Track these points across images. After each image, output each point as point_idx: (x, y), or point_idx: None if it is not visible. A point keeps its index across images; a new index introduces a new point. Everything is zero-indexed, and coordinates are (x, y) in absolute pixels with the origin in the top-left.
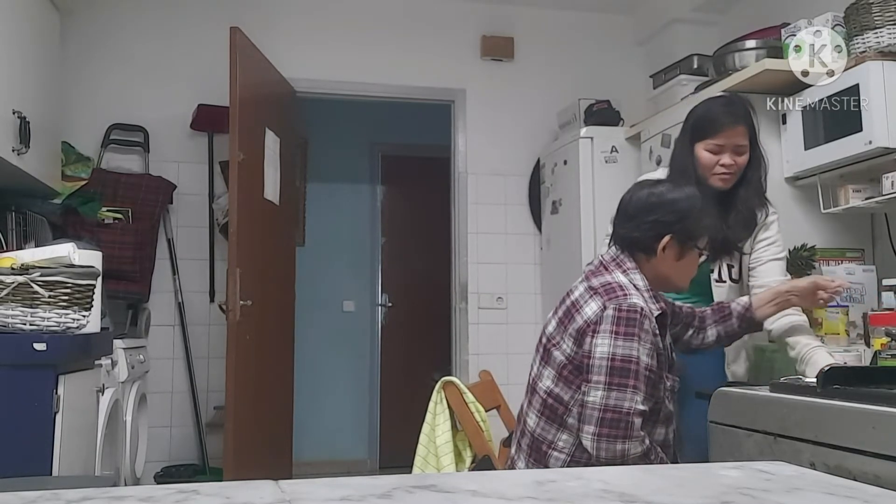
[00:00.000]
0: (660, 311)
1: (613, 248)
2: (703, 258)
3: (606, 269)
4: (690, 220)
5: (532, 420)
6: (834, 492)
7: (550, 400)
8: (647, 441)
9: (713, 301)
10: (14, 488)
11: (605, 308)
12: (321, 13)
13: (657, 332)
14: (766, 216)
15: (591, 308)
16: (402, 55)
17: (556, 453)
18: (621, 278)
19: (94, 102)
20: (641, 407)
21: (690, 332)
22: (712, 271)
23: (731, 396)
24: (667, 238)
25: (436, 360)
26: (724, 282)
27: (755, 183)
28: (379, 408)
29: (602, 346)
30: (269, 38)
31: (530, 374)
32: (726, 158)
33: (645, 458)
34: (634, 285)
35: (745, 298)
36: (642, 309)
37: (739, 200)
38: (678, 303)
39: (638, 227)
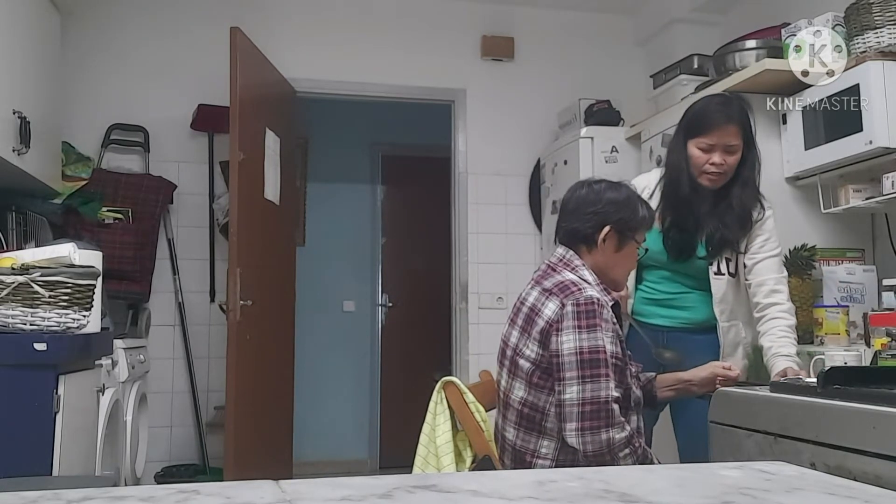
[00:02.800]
0: (613, 302)
1: (559, 250)
2: (641, 254)
3: (555, 271)
4: (628, 211)
5: (511, 433)
6: (834, 492)
7: (526, 409)
8: (628, 427)
9: (711, 293)
10: (14, 488)
11: (563, 306)
12: (321, 13)
13: (615, 320)
14: (763, 214)
15: (549, 308)
16: (402, 55)
17: (540, 461)
18: (572, 276)
19: (95, 102)
20: (616, 393)
21: None
22: (711, 264)
23: (731, 396)
24: (607, 228)
25: (436, 360)
26: (723, 274)
27: (751, 182)
28: (379, 408)
29: (568, 342)
30: (270, 38)
31: (499, 388)
32: (716, 157)
33: (629, 445)
34: (585, 280)
35: (651, 374)
36: (599, 300)
37: (734, 199)
38: None
39: (579, 219)
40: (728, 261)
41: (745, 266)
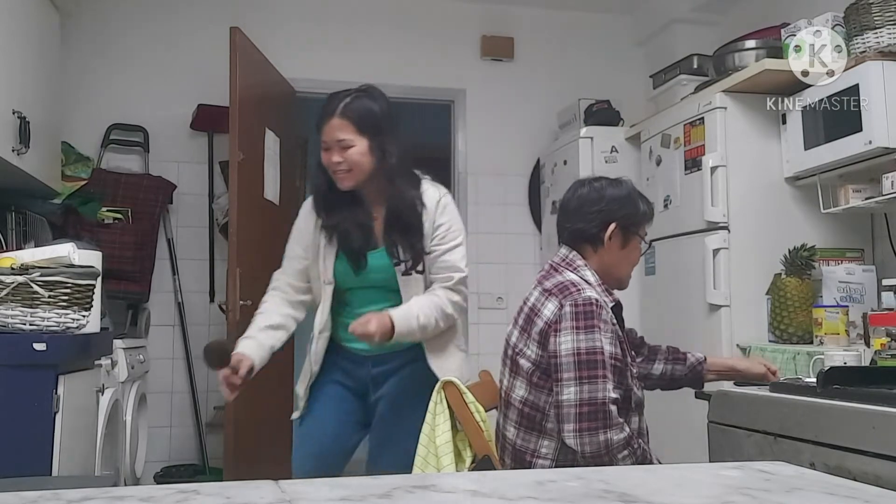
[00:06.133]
0: (614, 303)
1: (562, 250)
2: (645, 249)
3: (557, 271)
4: (631, 206)
5: (511, 433)
6: (834, 492)
7: (527, 409)
8: (626, 428)
9: (402, 300)
10: (14, 488)
11: (562, 306)
12: (321, 13)
13: (614, 321)
14: (440, 199)
15: (548, 309)
16: (402, 55)
17: (540, 461)
18: (572, 276)
19: (94, 102)
20: (614, 395)
21: (639, 358)
22: (397, 265)
23: (731, 396)
24: (612, 226)
25: None
26: (410, 274)
27: (394, 172)
28: None
29: (566, 342)
30: (269, 38)
31: (501, 388)
32: (334, 156)
33: (628, 446)
34: (586, 281)
35: (701, 355)
36: (597, 301)
37: (388, 198)
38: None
39: (583, 219)
40: (414, 259)
41: (428, 256)
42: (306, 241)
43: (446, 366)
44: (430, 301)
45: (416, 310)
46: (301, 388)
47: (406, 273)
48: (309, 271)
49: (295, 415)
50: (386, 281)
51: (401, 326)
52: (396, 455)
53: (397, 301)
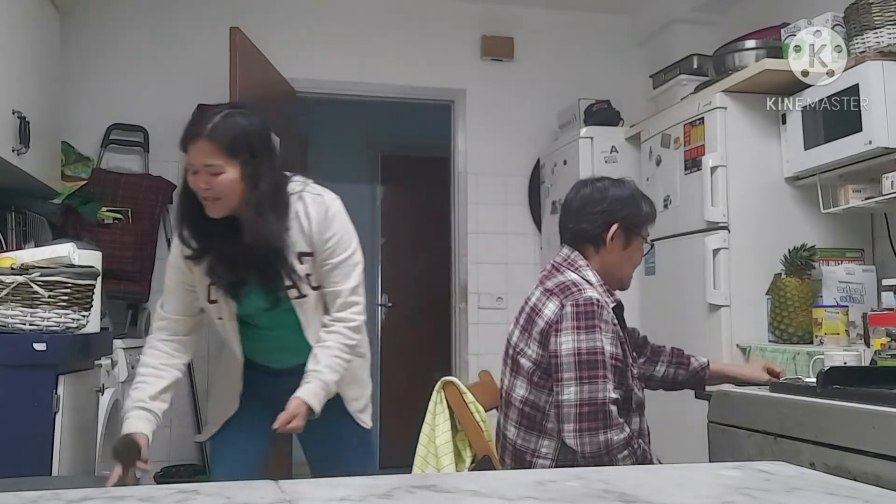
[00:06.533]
0: (615, 303)
1: (564, 250)
2: (647, 250)
3: (558, 271)
4: (634, 207)
5: (511, 432)
6: (834, 492)
7: (527, 408)
8: (626, 429)
9: (299, 318)
10: (14, 488)
11: (563, 306)
12: (321, 13)
13: (615, 322)
14: (327, 210)
15: (549, 309)
16: (402, 55)
17: (540, 460)
18: (574, 276)
19: (94, 102)
20: (614, 395)
21: (642, 359)
22: (290, 288)
23: (731, 396)
24: (614, 226)
25: (436, 360)
26: (306, 296)
27: (258, 205)
28: (379, 408)
29: (566, 342)
30: (269, 38)
31: (502, 387)
32: (201, 181)
33: (628, 447)
34: (587, 281)
35: (704, 360)
36: (598, 301)
37: (253, 233)
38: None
39: (585, 219)
40: (308, 276)
41: (322, 273)
42: (186, 275)
43: (349, 393)
44: (332, 359)
45: (326, 376)
46: (213, 412)
47: (298, 297)
48: (195, 302)
49: (201, 437)
50: (277, 306)
51: (320, 403)
52: (336, 459)
53: (297, 318)
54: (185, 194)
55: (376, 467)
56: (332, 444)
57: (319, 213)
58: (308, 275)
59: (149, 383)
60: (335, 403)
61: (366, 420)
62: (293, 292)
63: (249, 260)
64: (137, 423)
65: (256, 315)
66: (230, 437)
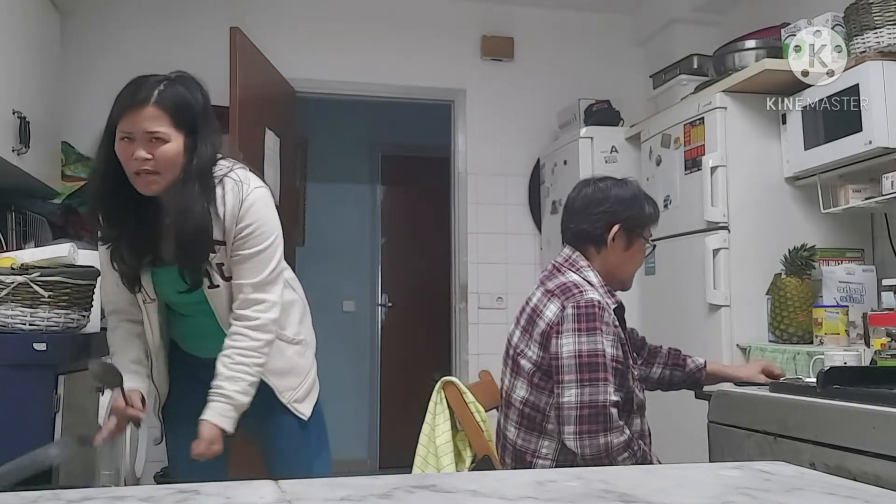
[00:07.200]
0: (616, 305)
1: (565, 250)
2: (649, 251)
3: (560, 272)
4: (636, 208)
5: (511, 433)
6: (834, 492)
7: (527, 409)
8: (626, 431)
9: (216, 311)
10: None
11: (564, 308)
12: (321, 13)
13: (617, 323)
14: (245, 198)
15: (550, 310)
16: (402, 55)
17: (540, 461)
18: (575, 277)
19: (94, 102)
20: (615, 398)
21: (640, 361)
22: (207, 276)
23: (731, 396)
24: (616, 227)
25: (436, 360)
26: (218, 286)
27: (188, 180)
28: (379, 408)
29: (567, 344)
30: (269, 38)
31: (502, 387)
32: (140, 150)
33: (628, 449)
34: (588, 282)
35: (701, 361)
36: (599, 303)
37: (177, 212)
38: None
39: (587, 220)
40: (220, 266)
41: (232, 263)
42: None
43: (282, 384)
44: (233, 369)
45: (227, 390)
46: (156, 411)
47: (210, 287)
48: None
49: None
50: (196, 289)
51: (231, 420)
52: (282, 455)
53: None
54: (109, 169)
55: (329, 460)
56: (272, 441)
57: (235, 200)
58: (220, 264)
59: (126, 350)
60: (266, 397)
61: (303, 410)
62: (205, 282)
63: (168, 238)
64: (129, 383)
65: (176, 302)
66: (183, 432)
